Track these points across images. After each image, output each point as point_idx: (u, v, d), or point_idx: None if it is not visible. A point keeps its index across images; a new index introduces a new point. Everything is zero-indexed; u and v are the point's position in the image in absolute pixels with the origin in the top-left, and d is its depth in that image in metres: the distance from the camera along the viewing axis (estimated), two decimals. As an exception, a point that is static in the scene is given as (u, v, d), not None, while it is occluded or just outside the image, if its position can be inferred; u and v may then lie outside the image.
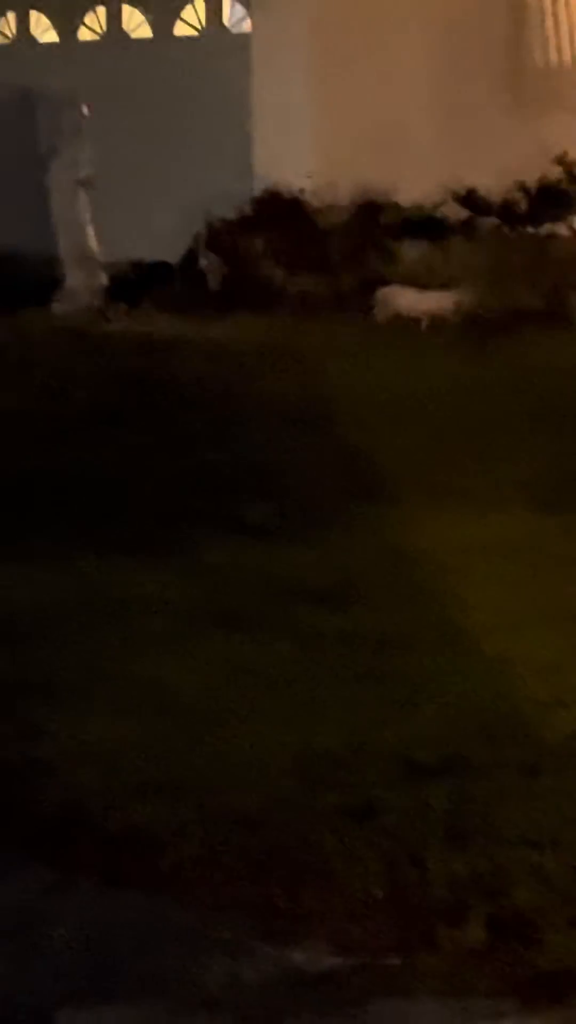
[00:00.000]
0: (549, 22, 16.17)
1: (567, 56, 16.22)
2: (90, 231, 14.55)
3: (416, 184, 14.46)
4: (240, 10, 16.56)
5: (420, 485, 8.37)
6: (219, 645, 6.20)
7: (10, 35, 18.14)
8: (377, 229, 14.36)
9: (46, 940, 4.38)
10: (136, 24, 17.33)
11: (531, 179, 14.25)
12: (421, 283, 13.82)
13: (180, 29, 17.05)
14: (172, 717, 5.53)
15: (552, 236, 14.18)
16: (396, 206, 14.56)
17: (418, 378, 10.94)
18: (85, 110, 14.64)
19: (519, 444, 9.19)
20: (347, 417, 9.66)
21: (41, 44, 17.89)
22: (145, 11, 17.18)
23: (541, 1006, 3.99)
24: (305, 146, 15.28)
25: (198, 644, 6.21)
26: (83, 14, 17.55)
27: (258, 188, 14.99)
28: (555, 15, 16.20)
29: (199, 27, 16.88)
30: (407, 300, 13.27)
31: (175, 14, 16.98)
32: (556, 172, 14.33)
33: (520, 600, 6.63)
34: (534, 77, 16.18)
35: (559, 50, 16.23)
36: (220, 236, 14.84)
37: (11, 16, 18.04)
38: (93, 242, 14.52)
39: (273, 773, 5.08)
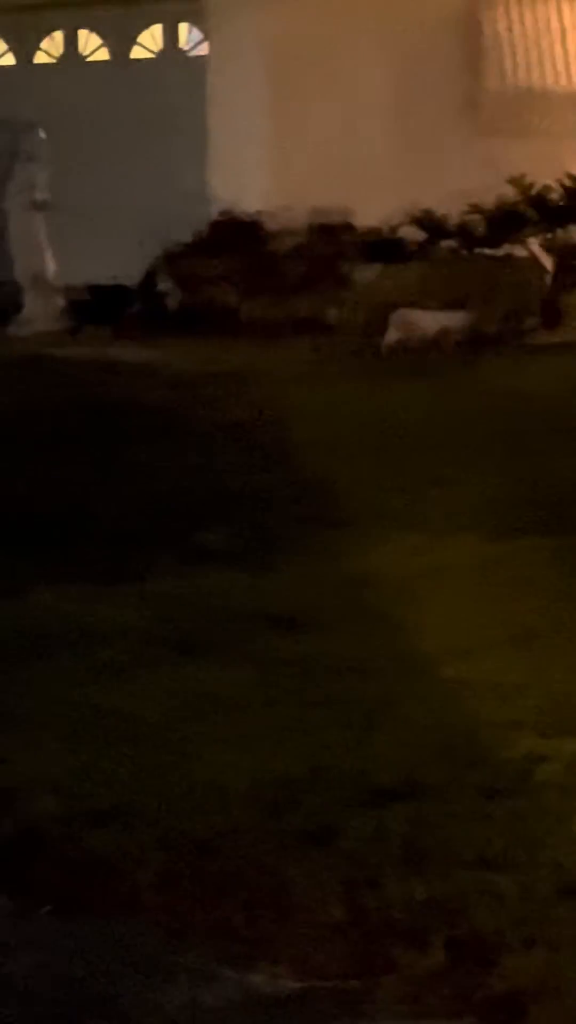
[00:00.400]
0: (505, 49, 16.29)
1: (523, 82, 16.34)
2: (47, 255, 14.55)
3: (374, 207, 14.54)
4: (197, 33, 16.62)
5: (377, 510, 8.41)
6: (177, 672, 6.23)
7: (-35, 59, 18.17)
8: (333, 252, 14.42)
9: (5, 967, 4.40)
10: (93, 48, 17.35)
11: (489, 202, 14.32)
12: (378, 307, 13.89)
13: (136, 52, 17.09)
14: (130, 744, 5.56)
15: (509, 258, 14.27)
16: (353, 229, 14.62)
17: (374, 402, 10.99)
18: (42, 133, 14.66)
19: (475, 469, 9.25)
20: (305, 443, 9.71)
21: (-3, 68, 17.91)
22: (102, 35, 17.19)
23: (499, 1026, 4.05)
24: (262, 169, 15.33)
25: (156, 671, 6.24)
26: (40, 39, 17.55)
27: (215, 211, 15.02)
28: (511, 42, 16.33)
29: (156, 50, 16.91)
30: (423, 321, 13.40)
31: (132, 38, 17.01)
32: (513, 194, 14.40)
33: (477, 623, 6.68)
34: (491, 102, 16.28)
35: (515, 76, 16.35)
36: (178, 260, 14.86)
37: (-34, 40, 18.06)
38: (50, 265, 14.53)
39: (232, 798, 5.12)
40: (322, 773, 5.25)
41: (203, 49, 16.41)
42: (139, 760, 5.42)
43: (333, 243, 14.59)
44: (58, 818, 5.04)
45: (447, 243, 14.40)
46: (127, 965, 4.37)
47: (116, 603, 7.05)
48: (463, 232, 14.31)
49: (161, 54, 16.87)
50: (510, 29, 16.38)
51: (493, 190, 14.42)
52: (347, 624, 6.74)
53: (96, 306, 15.14)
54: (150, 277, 15.16)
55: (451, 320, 13.40)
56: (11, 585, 7.30)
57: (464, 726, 5.61)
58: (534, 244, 14.47)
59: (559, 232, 14.52)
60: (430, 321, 13.35)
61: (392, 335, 13.34)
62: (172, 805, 5.08)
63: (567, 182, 14.66)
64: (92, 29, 17.19)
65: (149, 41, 16.98)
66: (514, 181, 14.47)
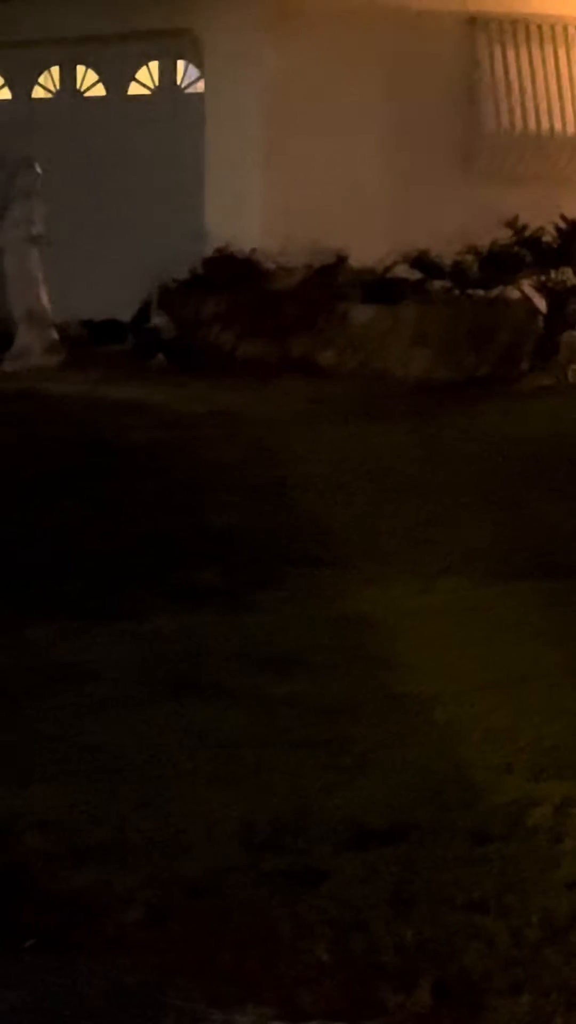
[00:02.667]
0: (502, 93, 16.38)
1: (519, 126, 16.43)
2: (42, 289, 14.55)
3: (369, 247, 14.58)
4: (194, 71, 16.66)
5: (369, 552, 8.42)
6: (167, 710, 6.23)
7: (-38, 93, 18.21)
8: (329, 292, 14.44)
9: (-8, 1005, 4.40)
10: (90, 84, 17.39)
11: (482, 244, 14.38)
12: (371, 347, 13.95)
13: (134, 88, 17.13)
14: (120, 780, 5.57)
15: (502, 299, 14.32)
16: (349, 269, 14.65)
17: (367, 443, 11.01)
18: (38, 168, 14.69)
19: (466, 511, 9.25)
20: (298, 484, 9.71)
21: (-6, 101, 17.93)
22: (99, 71, 17.25)
23: (486, 1071, 4.06)
24: (259, 207, 15.36)
25: (146, 709, 6.25)
26: (38, 74, 17.59)
27: (210, 248, 15.05)
28: (508, 86, 16.42)
29: (152, 87, 16.96)
30: None
31: (130, 74, 17.05)
32: (507, 236, 14.47)
33: (467, 665, 6.70)
34: (487, 145, 16.37)
35: (511, 120, 16.44)
36: (172, 296, 14.87)
37: (-36, 74, 18.12)
38: (45, 300, 14.53)
39: (220, 837, 5.12)
40: (311, 814, 5.26)
41: (200, 86, 16.44)
42: (127, 797, 5.43)
43: (329, 283, 14.59)
44: (45, 854, 5.05)
45: (440, 284, 14.42)
46: (113, 1004, 4.38)
47: (108, 641, 7.05)
48: (457, 273, 14.34)
49: (158, 90, 16.91)
50: (507, 73, 16.48)
51: (488, 232, 14.46)
52: (337, 665, 6.74)
53: (90, 340, 15.16)
54: (144, 313, 15.17)
55: None
56: (4, 621, 7.31)
57: (454, 769, 5.61)
58: (527, 286, 14.52)
59: (552, 274, 14.57)
60: None
61: None
62: (159, 843, 5.09)
63: (561, 224, 14.72)
64: (90, 65, 17.23)
65: (146, 77, 17.02)
66: (509, 223, 14.52)
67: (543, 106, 16.68)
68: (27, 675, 6.63)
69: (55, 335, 14.60)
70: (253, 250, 14.90)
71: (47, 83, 17.68)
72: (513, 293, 14.49)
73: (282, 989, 4.36)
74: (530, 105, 16.59)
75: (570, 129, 16.80)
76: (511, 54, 16.53)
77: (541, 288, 14.62)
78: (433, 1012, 4.23)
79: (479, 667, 6.67)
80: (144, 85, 17.07)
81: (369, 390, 13.10)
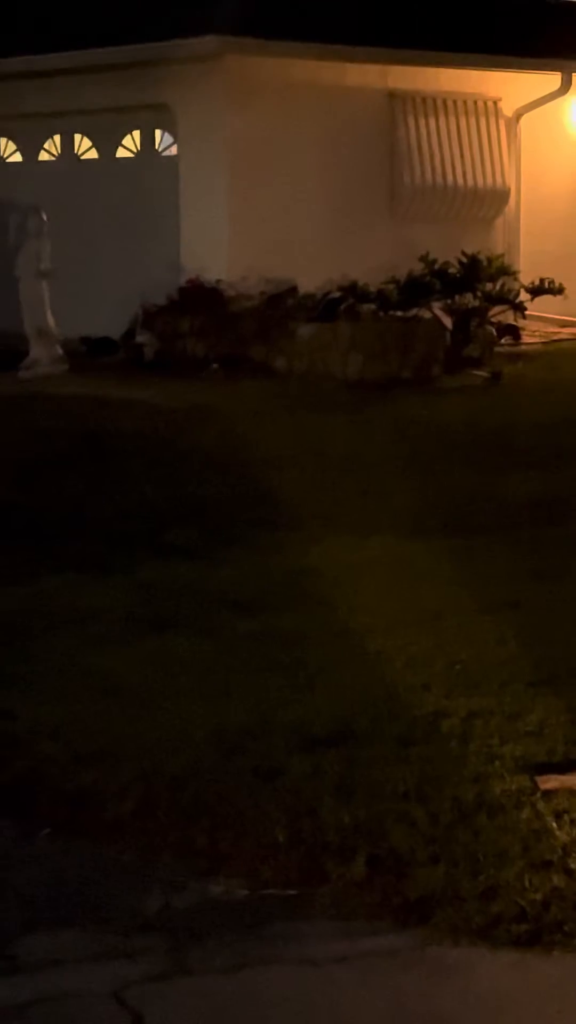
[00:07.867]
0: (415, 156, 16.45)
1: (428, 180, 16.49)
2: (49, 312, 14.50)
3: (311, 278, 14.60)
4: (169, 137, 16.58)
5: (315, 515, 8.39)
6: (153, 643, 6.19)
7: (-16, 157, 18.08)
8: (279, 313, 14.45)
9: (12, 878, 4.36)
10: (85, 148, 17.28)
11: (401, 274, 14.39)
12: (314, 355, 13.93)
13: (120, 152, 17.03)
14: (116, 699, 5.52)
15: (417, 318, 14.33)
16: (295, 294, 14.66)
17: (312, 430, 10.99)
18: (44, 216, 14.61)
19: (392, 483, 9.24)
20: (256, 461, 9.68)
21: (9, 164, 17.81)
22: (92, 138, 17.15)
23: (410, 926, 4.04)
24: (223, 246, 15.33)
25: (136, 642, 6.20)
26: (43, 141, 17.51)
27: (184, 279, 15.02)
28: (419, 150, 16.49)
29: (135, 151, 16.86)
30: None
31: (117, 141, 16.94)
32: (420, 268, 14.49)
33: (393, 606, 6.67)
34: (404, 195, 16.40)
35: (423, 174, 16.48)
36: (154, 317, 14.86)
37: (-15, 142, 18.00)
38: (51, 321, 14.47)
39: (197, 743, 5.09)
40: (270, 723, 5.23)
41: (174, 150, 16.35)
42: (123, 712, 5.38)
43: (279, 306, 14.62)
44: (56, 759, 5.00)
45: (368, 306, 14.42)
46: (113, 877, 4.34)
47: (105, 589, 6.99)
48: (381, 298, 14.33)
49: (140, 153, 16.80)
50: (419, 137, 16.50)
51: (406, 265, 14.48)
52: (290, 605, 6.71)
53: (88, 353, 15.11)
54: (131, 331, 15.12)
55: None
56: (22, 574, 7.24)
57: (383, 688, 5.59)
58: (437, 308, 14.53)
59: (457, 298, 14.60)
60: None
61: None
62: (149, 748, 5.05)
63: (463, 259, 14.74)
64: (85, 133, 17.13)
65: (131, 143, 16.91)
66: (422, 258, 14.54)
67: (448, 163, 16.70)
68: (41, 617, 6.57)
69: (60, 349, 14.58)
70: (219, 280, 14.89)
71: (51, 148, 17.57)
72: (425, 313, 14.54)
73: (247, 863, 4.34)
74: (438, 162, 16.61)
75: (469, 181, 16.84)
76: (422, 122, 16.56)
77: (447, 309, 14.66)
78: (367, 880, 4.22)
79: (403, 607, 6.64)
80: (129, 149, 16.99)
81: (313, 388, 13.10)
